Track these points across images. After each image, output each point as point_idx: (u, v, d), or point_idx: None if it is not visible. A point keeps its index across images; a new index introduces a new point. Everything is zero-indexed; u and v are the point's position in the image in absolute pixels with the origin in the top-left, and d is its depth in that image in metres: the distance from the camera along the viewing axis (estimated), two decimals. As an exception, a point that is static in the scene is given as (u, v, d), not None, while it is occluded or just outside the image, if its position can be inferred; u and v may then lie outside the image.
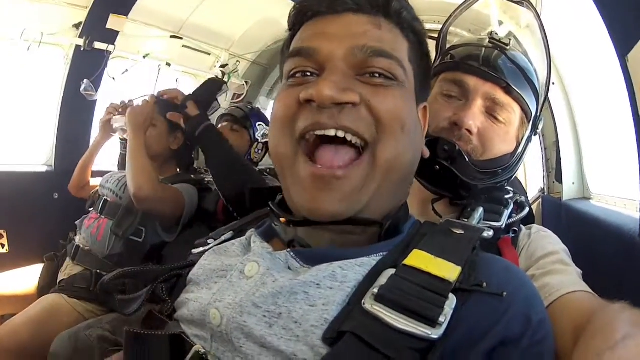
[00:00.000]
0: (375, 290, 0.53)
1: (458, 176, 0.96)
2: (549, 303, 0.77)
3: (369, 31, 0.64)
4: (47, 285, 1.94)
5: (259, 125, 2.35)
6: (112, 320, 1.52)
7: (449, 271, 0.55)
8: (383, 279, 0.55)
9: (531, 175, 2.69)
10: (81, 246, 1.90)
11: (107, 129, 2.23)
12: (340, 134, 0.60)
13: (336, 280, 0.57)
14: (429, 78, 0.77)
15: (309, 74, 0.64)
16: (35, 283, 1.99)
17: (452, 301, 0.52)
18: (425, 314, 0.50)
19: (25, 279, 2.01)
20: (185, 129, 1.85)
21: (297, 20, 0.70)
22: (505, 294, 0.53)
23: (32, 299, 1.80)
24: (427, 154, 0.73)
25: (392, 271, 0.56)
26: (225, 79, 3.22)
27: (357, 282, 0.57)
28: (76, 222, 2.02)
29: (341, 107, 0.59)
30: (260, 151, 2.38)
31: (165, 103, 1.93)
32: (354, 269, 0.58)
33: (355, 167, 0.61)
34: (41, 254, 2.09)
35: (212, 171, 1.74)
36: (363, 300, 0.53)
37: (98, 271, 1.79)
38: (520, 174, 2.80)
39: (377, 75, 0.63)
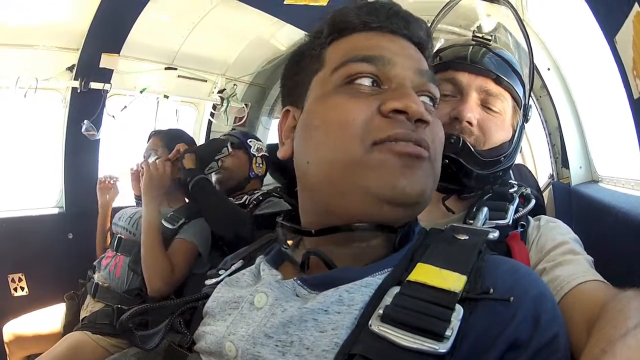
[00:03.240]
0: (381, 311, 0.53)
1: (466, 167, 0.98)
2: (561, 296, 0.77)
3: (422, 59, 0.69)
4: (70, 323, 1.97)
5: (250, 142, 2.39)
6: (137, 353, 1.54)
7: (454, 282, 0.55)
8: (388, 298, 0.55)
9: (540, 163, 2.67)
10: (100, 283, 1.92)
11: (106, 192, 2.33)
12: (424, 151, 0.61)
13: (343, 304, 0.57)
14: None
15: (371, 83, 0.64)
16: (59, 322, 2.02)
17: (458, 312, 0.52)
18: (431, 329, 0.50)
19: (48, 318, 2.04)
20: (181, 178, 1.94)
21: (344, 27, 0.69)
22: (512, 298, 0.53)
23: (56, 338, 1.83)
24: None
25: (397, 289, 0.56)
26: (225, 104, 3.26)
27: (364, 303, 0.57)
28: (94, 263, 2.05)
29: (417, 124, 0.61)
30: (260, 165, 2.41)
31: (171, 135, 2.03)
32: (360, 291, 0.58)
33: (426, 156, 0.62)
34: (60, 294, 2.12)
35: (206, 217, 1.89)
36: (370, 322, 0.53)
37: (119, 306, 1.80)
38: (529, 163, 2.79)
39: (428, 98, 0.67)
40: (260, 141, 2.47)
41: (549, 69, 2.11)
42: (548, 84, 2.12)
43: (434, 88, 0.67)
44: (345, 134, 0.61)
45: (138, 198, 2.26)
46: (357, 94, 0.63)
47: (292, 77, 0.74)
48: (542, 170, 2.61)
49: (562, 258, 0.86)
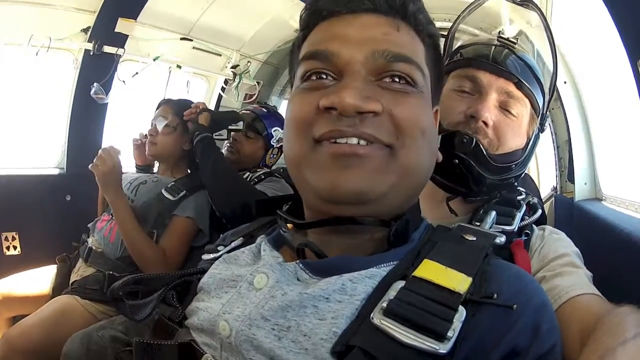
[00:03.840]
0: (384, 304, 0.53)
1: (475, 170, 0.96)
2: (558, 306, 0.77)
3: (388, 34, 0.63)
4: (59, 286, 1.95)
5: (274, 130, 2.31)
6: (125, 321, 1.52)
7: (460, 282, 0.55)
8: (392, 292, 0.55)
9: (544, 174, 2.67)
10: (94, 248, 1.90)
11: None
12: (362, 142, 0.58)
13: (345, 294, 0.56)
14: (442, 82, 0.76)
15: (324, 76, 0.63)
16: (48, 284, 2.00)
17: (461, 314, 0.51)
18: (434, 328, 0.50)
19: (37, 280, 2.02)
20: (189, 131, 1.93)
21: (310, 20, 0.68)
22: (515, 306, 0.53)
23: (45, 300, 1.81)
24: (440, 158, 0.71)
25: (401, 283, 0.56)
26: (237, 80, 3.22)
27: (366, 294, 0.56)
28: (89, 225, 2.03)
29: (363, 116, 0.58)
30: (275, 156, 2.37)
31: (182, 105, 2.00)
32: (364, 282, 0.57)
33: (377, 149, 0.59)
34: (53, 256, 2.09)
35: (205, 184, 1.83)
36: (372, 315, 0.52)
37: (110, 272, 1.78)
38: (533, 172, 2.78)
39: (396, 79, 0.62)
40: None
41: (565, 82, 2.09)
42: (563, 97, 2.10)
43: (402, 66, 0.61)
44: (293, 132, 0.63)
45: (139, 167, 2.26)
46: (309, 91, 0.63)
47: (290, 73, 0.75)
48: (545, 181, 2.61)
49: (562, 269, 0.86)
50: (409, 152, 0.61)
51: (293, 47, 0.73)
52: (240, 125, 2.08)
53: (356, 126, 0.58)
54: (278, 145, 2.33)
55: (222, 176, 1.82)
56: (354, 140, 0.58)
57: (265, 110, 2.41)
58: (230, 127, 2.09)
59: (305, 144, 0.61)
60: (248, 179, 2.12)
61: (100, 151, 1.79)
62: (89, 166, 1.81)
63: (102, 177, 1.76)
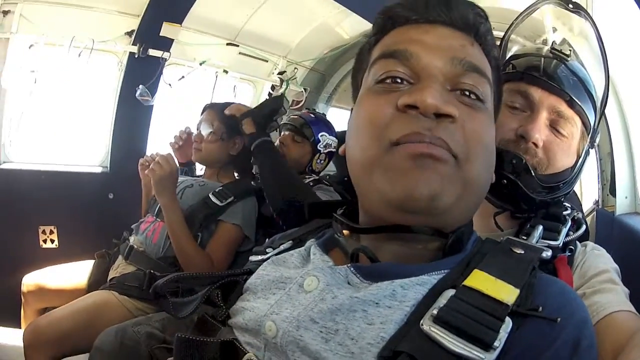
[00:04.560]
0: (435, 312, 0.52)
1: (522, 191, 0.95)
2: (595, 322, 0.77)
3: (465, 46, 0.64)
4: (96, 281, 1.99)
5: (321, 136, 2.30)
6: (162, 319, 1.55)
7: (508, 294, 0.54)
8: (443, 300, 0.55)
9: (586, 188, 2.60)
10: (135, 246, 1.93)
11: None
12: (439, 150, 0.58)
13: (395, 300, 0.56)
14: (501, 103, 0.76)
15: (399, 80, 0.62)
16: (84, 279, 2.03)
17: (507, 325, 0.51)
18: (482, 338, 0.49)
19: (74, 274, 2.06)
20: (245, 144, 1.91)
21: (386, 25, 0.69)
22: (559, 319, 0.52)
23: (80, 294, 1.83)
24: (493, 179, 0.71)
25: (451, 292, 0.56)
26: (284, 86, 3.25)
27: (416, 301, 0.56)
28: (132, 226, 2.06)
29: (439, 120, 0.58)
30: (322, 161, 2.35)
31: (222, 109, 1.98)
32: (415, 288, 0.57)
33: (447, 156, 0.58)
34: (91, 252, 2.14)
35: (265, 188, 1.77)
36: (421, 321, 0.52)
37: (152, 271, 1.79)
38: (576, 186, 2.71)
39: (467, 93, 0.62)
40: (333, 137, 2.37)
41: (609, 91, 2.03)
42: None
43: (475, 78, 0.62)
44: (367, 134, 0.62)
45: (182, 165, 2.26)
46: (384, 92, 0.62)
47: (354, 76, 0.75)
48: (587, 195, 2.54)
49: (601, 286, 0.86)
50: (472, 166, 0.60)
51: (361, 50, 0.73)
52: (283, 110, 2.03)
53: (432, 130, 0.58)
54: (325, 151, 2.33)
55: (281, 175, 1.78)
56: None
57: (313, 116, 2.41)
58: (275, 117, 2.07)
59: (379, 146, 0.60)
60: None
61: (157, 156, 1.82)
62: (146, 171, 1.85)
63: (158, 181, 1.78)
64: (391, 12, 0.68)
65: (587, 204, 2.40)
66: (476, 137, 0.61)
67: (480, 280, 0.57)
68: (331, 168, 2.54)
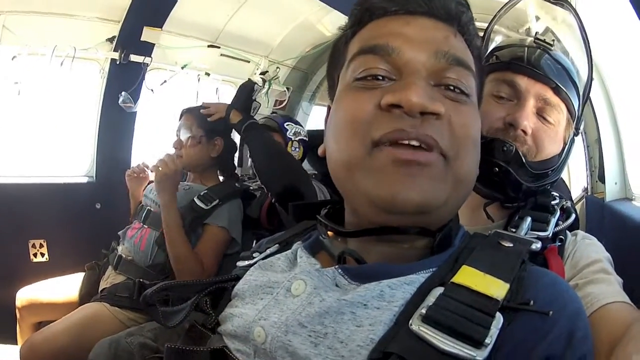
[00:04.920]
0: (423, 311, 0.52)
1: (513, 177, 0.96)
2: (589, 313, 0.77)
3: (448, 37, 0.62)
4: (88, 293, 1.98)
5: (287, 125, 2.37)
6: (154, 329, 1.54)
7: (498, 289, 0.54)
8: (431, 298, 0.54)
9: (575, 174, 2.61)
10: (124, 256, 1.93)
11: (134, 182, 2.29)
12: (424, 147, 0.56)
13: (384, 300, 0.55)
14: (483, 92, 0.74)
15: (380, 77, 0.60)
16: (75, 291, 2.03)
17: (498, 321, 0.50)
18: (471, 335, 0.49)
19: (65, 287, 2.06)
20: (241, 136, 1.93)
21: (363, 16, 0.66)
22: (551, 312, 0.52)
23: (72, 308, 1.84)
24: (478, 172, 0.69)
25: (440, 289, 0.55)
26: (266, 86, 3.23)
27: (404, 300, 0.55)
28: (119, 232, 2.06)
29: (425, 117, 0.56)
30: (297, 149, 2.38)
31: (199, 113, 2.00)
32: (403, 288, 0.56)
33: (436, 158, 0.57)
34: (81, 264, 2.13)
35: (257, 166, 1.79)
36: (410, 321, 0.51)
37: (141, 280, 1.79)
38: (564, 173, 2.73)
39: (451, 87, 0.60)
40: (300, 125, 2.45)
41: (593, 79, 2.04)
42: (591, 95, 2.05)
43: (460, 72, 0.60)
44: (347, 134, 0.60)
45: None
46: (364, 89, 0.60)
47: (329, 73, 0.73)
48: (576, 182, 2.55)
49: (594, 276, 0.86)
50: (462, 162, 0.59)
51: (336, 44, 0.71)
52: (257, 87, 2.11)
53: (418, 128, 0.56)
54: (297, 139, 2.37)
55: (275, 155, 1.82)
56: (415, 143, 0.56)
57: (275, 114, 2.57)
58: (254, 98, 2.11)
59: (360, 146, 0.58)
60: None
61: (164, 155, 1.85)
62: (150, 166, 1.89)
63: (161, 178, 1.81)
64: (368, 3, 0.66)
65: (575, 192, 2.41)
66: (464, 131, 0.59)
67: (468, 276, 0.56)
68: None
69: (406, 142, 0.56)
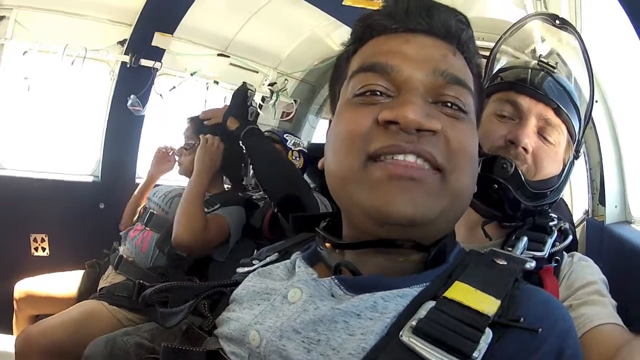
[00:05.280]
0: (414, 323, 0.53)
1: (512, 195, 0.97)
2: (581, 334, 0.78)
3: (447, 56, 0.63)
4: (86, 290, 1.99)
5: (286, 136, 2.41)
6: (151, 329, 1.54)
7: (489, 305, 0.54)
8: (423, 311, 0.55)
9: (577, 197, 2.61)
10: (125, 256, 1.95)
11: (163, 162, 2.33)
12: (420, 161, 0.58)
13: (376, 311, 0.56)
14: (482, 111, 0.76)
15: (379, 93, 0.62)
16: (74, 287, 2.04)
17: (487, 336, 0.51)
18: (460, 348, 0.50)
19: (64, 282, 2.07)
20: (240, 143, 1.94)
21: (364, 33, 0.68)
22: (540, 330, 0.52)
23: (70, 303, 1.85)
24: (475, 189, 0.70)
25: (432, 303, 0.56)
26: (274, 97, 3.26)
27: (397, 312, 0.56)
28: (121, 233, 2.08)
29: (421, 134, 0.58)
30: (297, 159, 2.40)
31: (202, 123, 2.01)
32: (395, 300, 0.58)
33: (431, 173, 0.58)
34: (81, 261, 2.15)
35: (258, 171, 1.79)
36: (401, 333, 0.52)
37: (140, 281, 1.77)
38: (566, 195, 2.73)
39: (449, 104, 0.62)
40: (298, 138, 2.48)
41: (596, 101, 2.05)
42: (594, 117, 2.06)
43: (457, 90, 0.62)
44: (345, 147, 0.61)
45: None
46: (363, 105, 0.62)
47: (332, 87, 0.75)
48: (578, 204, 2.55)
49: (588, 297, 0.87)
50: (458, 177, 0.60)
51: (339, 60, 0.73)
52: (250, 92, 2.07)
53: (414, 143, 0.58)
54: (297, 149, 2.40)
55: (276, 160, 1.83)
56: (411, 158, 0.58)
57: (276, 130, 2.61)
58: (249, 103, 2.09)
59: (356, 159, 0.60)
60: None
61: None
62: (200, 135, 1.93)
63: (204, 149, 1.88)
64: (370, 21, 0.67)
65: (577, 215, 2.41)
66: (461, 147, 0.61)
67: (460, 292, 0.57)
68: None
69: (402, 156, 0.58)
